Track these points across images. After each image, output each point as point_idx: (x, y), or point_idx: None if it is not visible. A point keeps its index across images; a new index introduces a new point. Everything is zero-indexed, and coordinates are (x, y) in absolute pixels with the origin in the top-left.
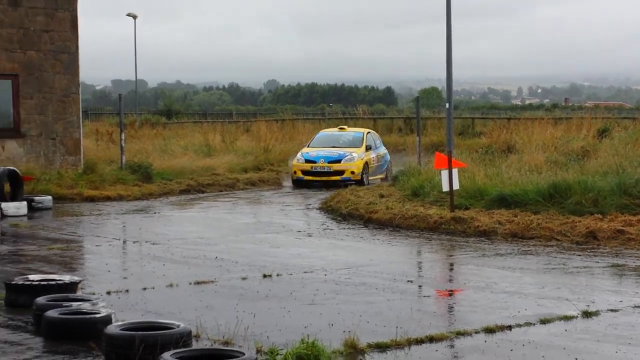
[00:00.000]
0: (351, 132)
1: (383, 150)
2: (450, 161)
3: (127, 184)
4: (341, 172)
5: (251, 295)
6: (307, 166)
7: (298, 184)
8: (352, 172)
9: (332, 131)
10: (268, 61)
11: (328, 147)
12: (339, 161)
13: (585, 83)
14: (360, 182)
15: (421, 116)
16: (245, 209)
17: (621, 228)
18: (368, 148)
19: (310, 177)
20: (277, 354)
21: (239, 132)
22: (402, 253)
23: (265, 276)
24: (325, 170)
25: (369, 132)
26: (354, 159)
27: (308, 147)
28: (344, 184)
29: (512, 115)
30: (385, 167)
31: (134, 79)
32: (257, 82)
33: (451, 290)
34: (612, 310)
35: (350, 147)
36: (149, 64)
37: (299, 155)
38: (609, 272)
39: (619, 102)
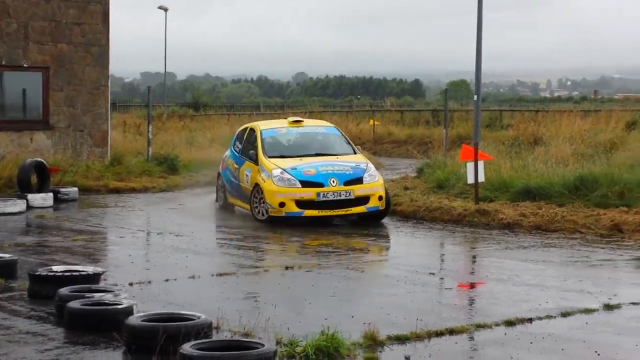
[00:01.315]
0: (319, 127)
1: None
2: (476, 153)
3: (152, 176)
4: (366, 200)
5: (273, 287)
6: (309, 193)
7: (284, 221)
8: (380, 198)
9: (286, 126)
10: (297, 54)
11: (308, 154)
12: (359, 180)
13: (616, 75)
14: (383, 214)
15: (449, 108)
16: None
17: None
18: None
19: (317, 213)
20: (297, 346)
21: None
22: (425, 245)
23: (287, 268)
24: (343, 197)
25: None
26: (375, 176)
27: (266, 156)
28: (370, 216)
29: (540, 108)
30: None
31: (163, 71)
32: (285, 75)
33: (473, 283)
34: (634, 304)
35: (340, 153)
36: (178, 57)
37: (274, 172)
38: (633, 265)
39: None
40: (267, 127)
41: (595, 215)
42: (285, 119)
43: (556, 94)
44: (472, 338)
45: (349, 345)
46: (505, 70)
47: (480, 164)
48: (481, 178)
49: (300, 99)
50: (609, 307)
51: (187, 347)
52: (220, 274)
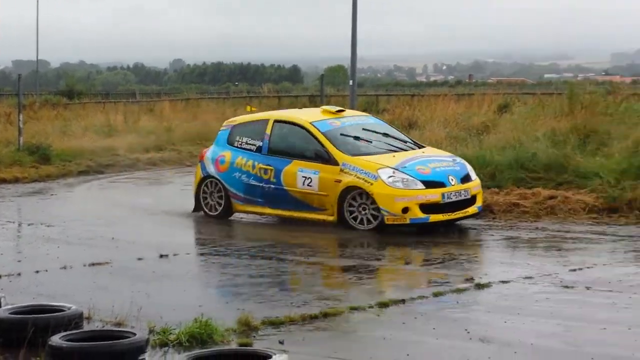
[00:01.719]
0: (366, 116)
1: None
2: None
3: (24, 166)
4: (474, 199)
5: (147, 275)
6: (434, 195)
7: (401, 229)
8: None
9: (333, 118)
10: (174, 40)
11: (383, 150)
12: (468, 177)
13: (489, 60)
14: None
15: (326, 94)
16: (145, 189)
17: (516, 201)
18: None
19: (441, 217)
20: (170, 334)
21: (142, 112)
22: (275, 227)
23: (161, 256)
24: (463, 197)
25: None
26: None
27: (348, 153)
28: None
29: (415, 92)
30: None
31: (35, 59)
32: (162, 62)
33: (348, 266)
34: (503, 282)
35: (411, 146)
36: (52, 44)
37: (382, 172)
38: (503, 244)
39: (522, 78)
40: (315, 119)
41: None
42: (319, 107)
43: (432, 79)
44: (347, 320)
45: (222, 331)
46: (383, 55)
47: None
48: None
49: (177, 86)
50: (479, 286)
51: (56, 339)
52: (94, 264)
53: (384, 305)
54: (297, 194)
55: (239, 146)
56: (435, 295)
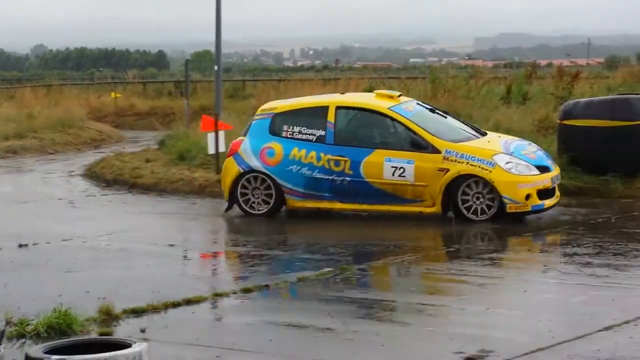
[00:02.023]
0: (415, 100)
1: None
2: (216, 124)
3: None
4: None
5: (5, 265)
6: (547, 180)
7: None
8: None
9: (398, 103)
10: (35, 25)
11: (461, 137)
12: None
13: (356, 44)
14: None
15: (191, 79)
16: (4, 177)
17: None
18: None
19: (550, 202)
20: (28, 324)
21: (1, 99)
22: (165, 217)
23: (21, 246)
24: (558, 183)
25: None
26: None
27: (446, 139)
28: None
29: (282, 77)
30: None
31: None
32: (23, 47)
33: (215, 253)
34: None
35: (476, 132)
36: None
37: (498, 158)
38: None
39: (388, 63)
40: (390, 104)
41: None
42: (372, 92)
43: (299, 63)
44: (213, 306)
45: (82, 321)
46: (250, 40)
47: (221, 134)
48: (222, 148)
49: (39, 72)
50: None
51: None
52: None
53: (247, 291)
54: (383, 185)
55: (289, 136)
56: (301, 279)
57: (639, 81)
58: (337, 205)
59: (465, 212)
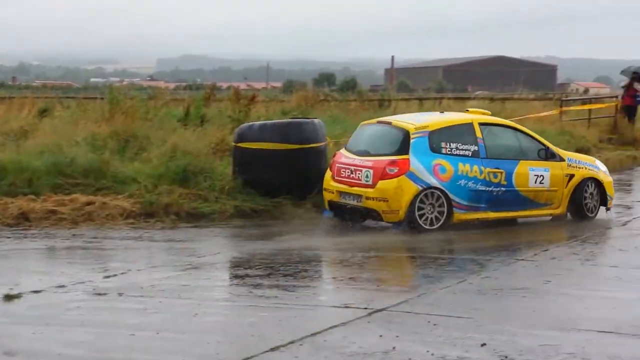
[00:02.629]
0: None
1: None
2: None
3: None
4: None
5: None
6: None
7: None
8: None
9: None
10: None
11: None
12: None
13: (35, 62)
14: None
15: None
16: None
17: (54, 208)
18: None
19: None
20: None
21: None
22: None
23: None
24: None
25: None
26: None
27: (559, 149)
28: None
29: None
30: None
31: None
32: None
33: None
34: (34, 292)
35: None
36: None
37: (599, 164)
38: (38, 253)
39: (68, 82)
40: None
41: (3, 204)
42: (466, 111)
43: None
44: None
45: None
46: None
47: None
48: None
49: None
50: (8, 298)
51: None
52: None
53: None
54: (528, 193)
55: (449, 153)
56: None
57: (312, 105)
58: (490, 215)
59: (585, 210)
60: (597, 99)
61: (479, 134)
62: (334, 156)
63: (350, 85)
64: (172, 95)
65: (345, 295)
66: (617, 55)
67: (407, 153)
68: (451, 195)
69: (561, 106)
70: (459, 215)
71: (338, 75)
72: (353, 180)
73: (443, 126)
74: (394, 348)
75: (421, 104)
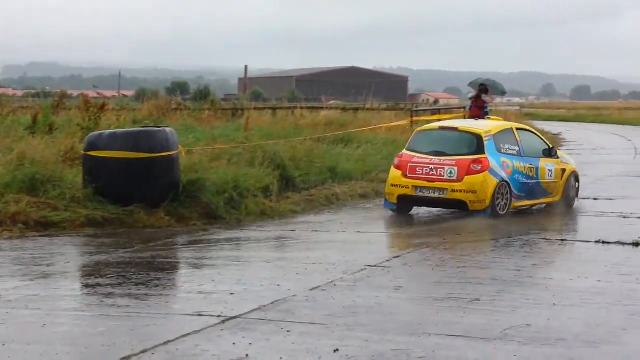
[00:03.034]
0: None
1: None
2: None
3: None
4: None
5: None
6: None
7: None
8: None
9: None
10: None
11: None
12: None
13: None
14: None
15: None
16: None
17: None
18: None
19: None
20: None
21: None
22: None
23: None
24: None
25: None
26: None
27: None
28: None
29: None
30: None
31: None
32: None
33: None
34: None
35: None
36: None
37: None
38: None
39: None
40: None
41: None
42: (488, 118)
43: None
44: None
45: None
46: None
47: None
48: None
49: None
50: None
51: None
52: None
53: None
54: (545, 185)
55: (505, 152)
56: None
57: (164, 114)
58: (527, 203)
59: (570, 199)
60: (447, 110)
61: (517, 137)
62: (398, 157)
63: (203, 94)
64: (19, 103)
65: (198, 303)
66: (466, 68)
67: (483, 153)
68: (512, 186)
69: (412, 116)
70: (514, 203)
71: (192, 84)
72: (433, 177)
73: (499, 130)
74: (247, 355)
75: (274, 113)
